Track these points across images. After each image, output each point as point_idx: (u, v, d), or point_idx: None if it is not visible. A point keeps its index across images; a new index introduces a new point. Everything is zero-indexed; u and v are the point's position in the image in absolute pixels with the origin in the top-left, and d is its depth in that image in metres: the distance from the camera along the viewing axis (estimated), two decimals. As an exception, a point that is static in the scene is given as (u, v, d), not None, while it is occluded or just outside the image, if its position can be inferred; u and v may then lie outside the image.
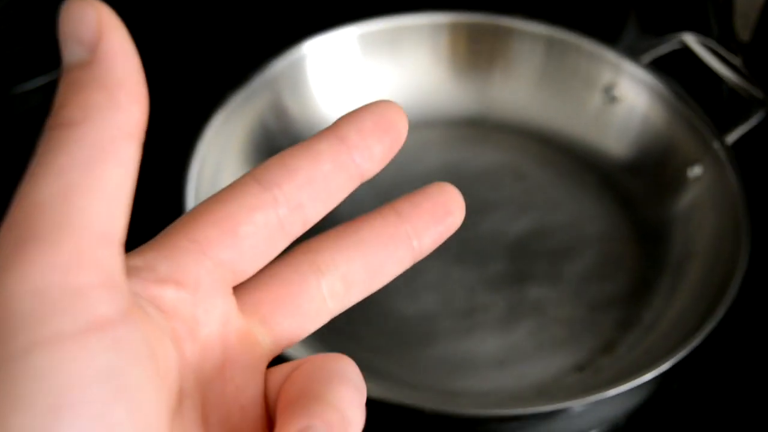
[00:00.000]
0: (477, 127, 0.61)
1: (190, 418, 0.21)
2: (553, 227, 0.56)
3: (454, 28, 0.61)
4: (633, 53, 0.59)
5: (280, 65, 0.57)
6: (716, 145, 0.54)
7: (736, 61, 0.59)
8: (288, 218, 0.24)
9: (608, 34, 0.65)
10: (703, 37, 0.59)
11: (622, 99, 0.59)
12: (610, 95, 0.59)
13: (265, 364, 0.24)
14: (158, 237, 0.23)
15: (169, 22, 0.67)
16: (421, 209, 0.27)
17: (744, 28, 0.66)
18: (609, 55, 0.59)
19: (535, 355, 0.50)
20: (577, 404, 0.45)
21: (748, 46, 0.64)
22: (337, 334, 0.50)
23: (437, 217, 0.26)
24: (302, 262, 0.25)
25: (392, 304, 0.52)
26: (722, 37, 0.64)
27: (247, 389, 0.23)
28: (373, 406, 0.43)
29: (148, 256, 0.22)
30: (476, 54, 0.61)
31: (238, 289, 0.24)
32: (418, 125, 0.60)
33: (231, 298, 0.23)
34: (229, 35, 0.67)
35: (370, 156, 0.25)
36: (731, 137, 0.55)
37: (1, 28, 0.64)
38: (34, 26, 0.64)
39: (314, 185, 0.24)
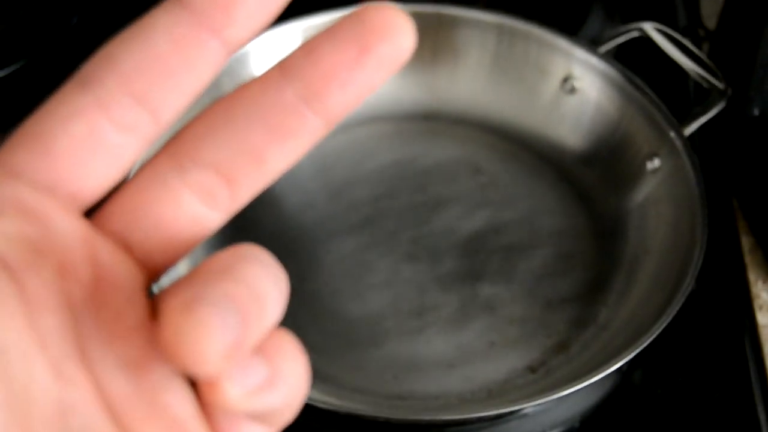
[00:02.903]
0: (430, 120, 0.59)
1: (63, 350, 0.19)
2: (508, 223, 0.55)
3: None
4: (595, 43, 0.58)
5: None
6: (674, 136, 0.53)
7: (697, 50, 0.58)
8: (126, 118, 0.20)
9: (572, 24, 0.64)
10: (665, 26, 0.58)
11: (579, 90, 0.57)
12: (568, 86, 0.57)
13: (143, 286, 0.21)
14: None
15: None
16: (320, 56, 0.20)
17: (710, 16, 0.65)
18: (562, 44, 0.57)
19: (487, 355, 0.49)
20: (528, 406, 0.44)
21: (714, 34, 0.63)
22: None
23: (349, 58, 0.20)
24: (161, 162, 0.21)
25: (339, 303, 0.50)
26: (688, 25, 0.63)
27: (125, 314, 0.20)
28: (317, 411, 0.42)
29: None
30: (423, 45, 0.59)
31: (100, 209, 0.21)
32: (369, 120, 0.59)
33: (81, 222, 0.20)
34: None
35: (229, 18, 0.20)
36: (690, 128, 0.54)
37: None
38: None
39: (150, 72, 0.20)
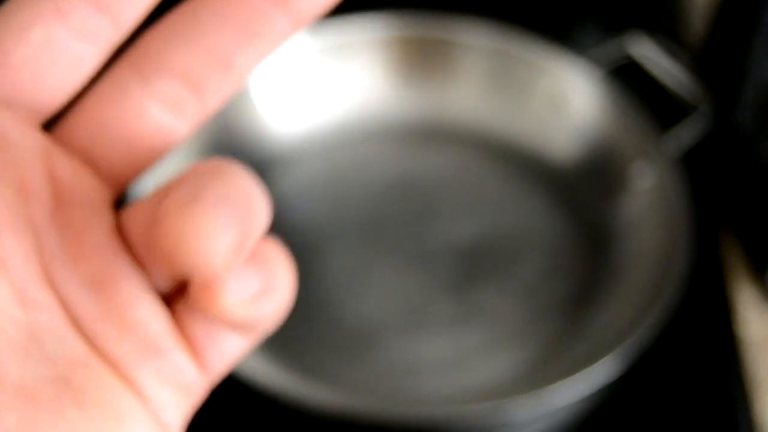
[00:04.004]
0: (426, 136, 0.61)
1: (26, 273, 0.19)
2: (501, 232, 0.56)
3: (395, 41, 0.61)
4: (582, 53, 0.59)
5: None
6: (659, 151, 0.55)
7: (683, 62, 0.59)
8: (85, 25, 0.19)
9: (558, 32, 0.65)
10: (651, 37, 0.60)
11: (568, 106, 0.59)
12: (557, 103, 0.59)
13: (107, 201, 0.20)
14: None
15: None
16: None
17: (695, 27, 0.66)
18: (552, 62, 0.59)
19: (481, 358, 0.51)
20: (521, 405, 0.45)
21: (703, 48, 0.64)
22: (278, 335, 0.50)
23: None
24: (125, 71, 0.20)
25: (338, 309, 0.52)
26: (674, 37, 0.64)
27: (89, 232, 0.19)
28: (314, 412, 0.44)
29: None
30: (419, 64, 0.61)
31: (60, 122, 0.20)
32: (365, 136, 0.61)
33: (40, 136, 0.20)
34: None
35: None
36: (677, 140, 0.56)
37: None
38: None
39: None
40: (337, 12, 0.60)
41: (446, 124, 0.61)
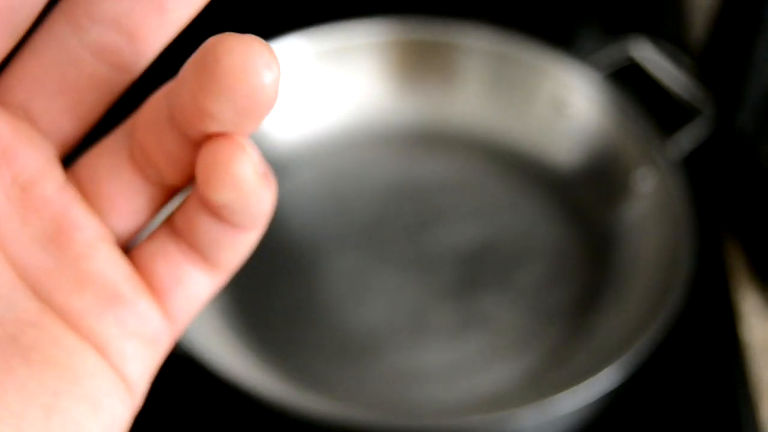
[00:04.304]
0: (427, 140, 0.61)
1: None
2: (503, 238, 0.56)
3: (395, 44, 0.61)
4: (584, 57, 0.59)
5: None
6: (661, 156, 0.55)
7: (686, 67, 0.59)
8: None
9: (560, 36, 0.65)
10: (653, 40, 0.60)
11: (570, 111, 0.59)
12: (559, 108, 0.59)
13: (53, 156, 0.20)
14: None
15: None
16: None
17: (696, 30, 0.66)
18: (554, 67, 0.59)
19: (483, 365, 0.50)
20: (524, 415, 0.45)
21: (704, 51, 0.64)
22: (279, 344, 0.50)
23: None
24: (56, 23, 0.19)
25: (339, 315, 0.52)
26: (676, 40, 0.64)
27: (36, 187, 0.19)
28: (315, 420, 0.43)
29: None
30: (420, 68, 0.61)
31: None
32: (370, 140, 0.60)
33: None
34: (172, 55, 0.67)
35: None
36: (678, 145, 0.55)
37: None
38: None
39: None
40: (336, 16, 0.60)
41: (447, 128, 0.61)
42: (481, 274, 0.54)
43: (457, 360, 0.50)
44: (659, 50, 0.60)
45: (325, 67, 0.60)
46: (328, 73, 0.60)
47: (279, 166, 0.58)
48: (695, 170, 0.56)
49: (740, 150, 0.59)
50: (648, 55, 0.60)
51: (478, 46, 0.60)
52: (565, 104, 0.59)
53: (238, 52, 0.17)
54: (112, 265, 0.19)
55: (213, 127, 0.18)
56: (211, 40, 0.17)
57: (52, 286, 0.19)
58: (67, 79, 0.19)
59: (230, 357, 0.47)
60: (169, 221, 0.20)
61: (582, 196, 0.58)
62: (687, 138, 0.56)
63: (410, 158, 0.60)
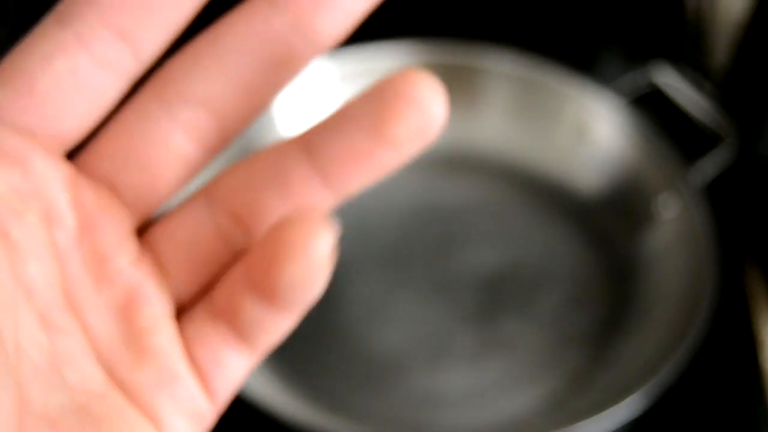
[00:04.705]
0: (450, 165, 0.61)
1: (50, 299, 0.19)
2: (525, 263, 0.56)
3: (419, 67, 0.61)
4: (607, 83, 0.59)
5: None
6: (685, 180, 0.55)
7: (708, 93, 0.59)
8: (109, 54, 0.19)
9: (583, 61, 0.65)
10: (676, 66, 0.60)
11: (593, 137, 0.59)
12: (582, 133, 0.59)
13: (131, 229, 0.20)
14: None
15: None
16: None
17: (719, 57, 0.66)
18: (578, 93, 0.59)
19: (504, 390, 0.50)
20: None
21: (725, 75, 0.64)
22: (299, 365, 0.50)
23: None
24: (148, 100, 0.20)
25: (361, 338, 0.52)
26: (698, 66, 0.64)
27: (112, 258, 0.20)
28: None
29: None
30: (445, 91, 0.61)
31: (84, 150, 0.20)
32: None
33: (64, 165, 0.20)
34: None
35: None
36: (700, 171, 0.55)
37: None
38: None
39: (130, 7, 0.19)
40: (359, 38, 0.60)
41: (470, 152, 0.61)
42: (503, 299, 0.54)
43: (478, 385, 0.50)
44: (681, 76, 0.60)
45: (350, 89, 0.60)
46: (350, 96, 0.60)
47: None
48: (718, 197, 0.56)
49: (763, 176, 0.59)
50: (670, 81, 0.60)
51: (501, 71, 0.60)
52: (588, 130, 0.59)
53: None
54: (171, 344, 0.20)
55: None
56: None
57: (117, 358, 0.19)
58: (153, 156, 0.20)
59: (251, 378, 0.47)
60: (207, 300, 0.20)
61: (604, 222, 0.58)
62: (709, 164, 0.56)
63: (432, 181, 0.60)
